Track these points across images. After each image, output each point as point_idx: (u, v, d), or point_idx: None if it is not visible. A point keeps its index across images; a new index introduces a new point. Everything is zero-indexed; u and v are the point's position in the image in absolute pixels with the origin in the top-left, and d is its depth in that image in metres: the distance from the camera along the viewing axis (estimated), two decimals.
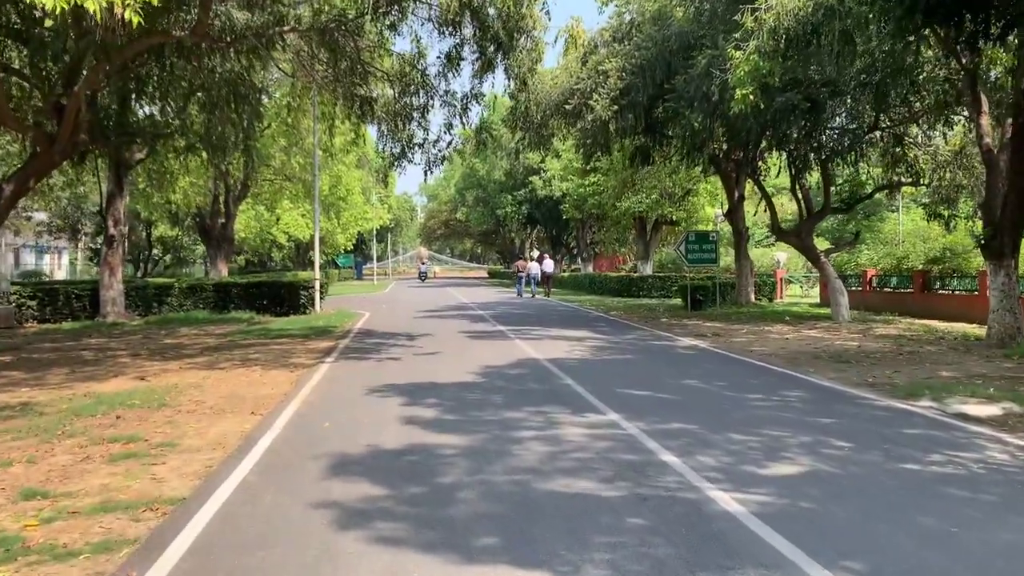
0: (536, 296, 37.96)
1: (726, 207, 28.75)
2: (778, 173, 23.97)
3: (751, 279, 27.94)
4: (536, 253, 52.25)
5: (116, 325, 23.21)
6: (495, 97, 16.61)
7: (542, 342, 16.53)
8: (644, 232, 39.65)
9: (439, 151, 17.48)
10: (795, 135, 20.48)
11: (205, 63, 15.13)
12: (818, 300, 31.46)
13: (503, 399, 9.78)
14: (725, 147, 20.55)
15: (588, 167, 37.95)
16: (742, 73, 15.23)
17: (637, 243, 41.21)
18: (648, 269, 39.20)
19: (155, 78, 17.39)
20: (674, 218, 38.04)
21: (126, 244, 55.52)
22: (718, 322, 22.05)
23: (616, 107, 18.23)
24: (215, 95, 15.81)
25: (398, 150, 17.41)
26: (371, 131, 27.83)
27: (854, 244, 23.06)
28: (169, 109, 18.18)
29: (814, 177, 23.83)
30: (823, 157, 21.37)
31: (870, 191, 22.36)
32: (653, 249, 40.47)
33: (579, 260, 61.18)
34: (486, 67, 14.96)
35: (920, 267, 25.25)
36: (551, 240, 61.52)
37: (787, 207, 40.88)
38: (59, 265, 61.21)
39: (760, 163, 23.18)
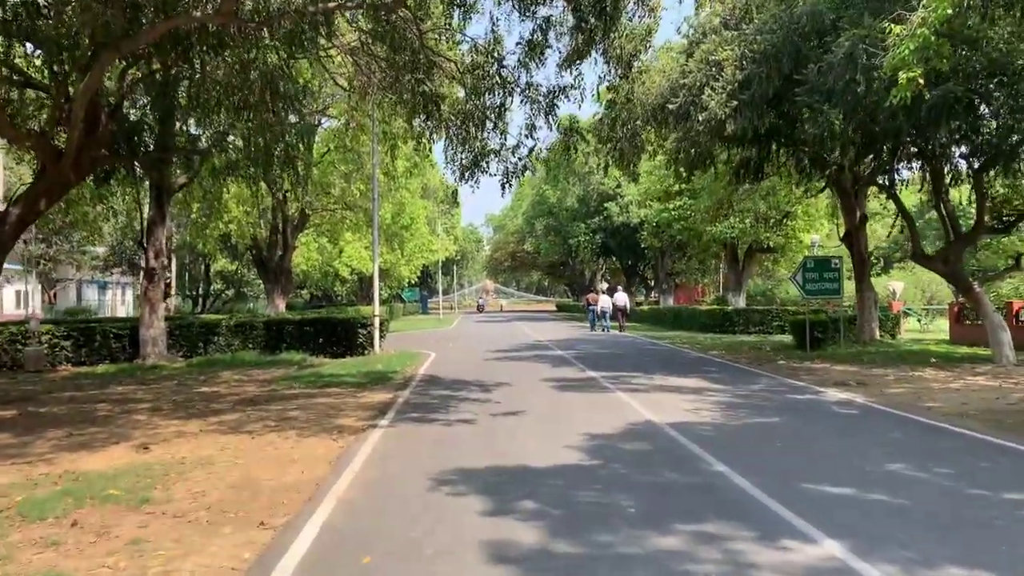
0: (610, 331, 35.26)
1: (841, 228, 24.95)
2: (906, 185, 20.18)
3: (875, 313, 23.99)
4: (604, 285, 48.79)
5: (155, 368, 20.68)
6: (600, 83, 12.93)
7: (651, 395, 13.13)
8: (736, 261, 35.88)
9: (519, 159, 14.31)
10: (945, 138, 16.80)
11: (238, 55, 12.37)
12: (947, 336, 27.26)
13: (636, 504, 6.44)
14: (853, 155, 16.95)
15: (676, 188, 34.53)
16: (906, 52, 11.74)
17: (728, 273, 37.42)
18: (740, 302, 35.37)
19: (185, 81, 14.82)
20: (771, 244, 34.22)
21: (176, 278, 54.11)
22: (849, 364, 18.33)
23: (735, 102, 14.85)
24: (248, 96, 13.04)
25: (469, 159, 14.33)
26: (437, 150, 24.89)
27: (1016, 269, 19.11)
28: (203, 120, 15.57)
29: (961, 193, 19.97)
30: (979, 164, 17.60)
31: None
32: (746, 279, 36.64)
33: (654, 292, 57.44)
34: (586, 45, 11.74)
35: None
36: (625, 271, 57.94)
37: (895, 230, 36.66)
38: (122, 300, 60.23)
39: (894, 174, 19.43)
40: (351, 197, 34.07)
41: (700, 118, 15.37)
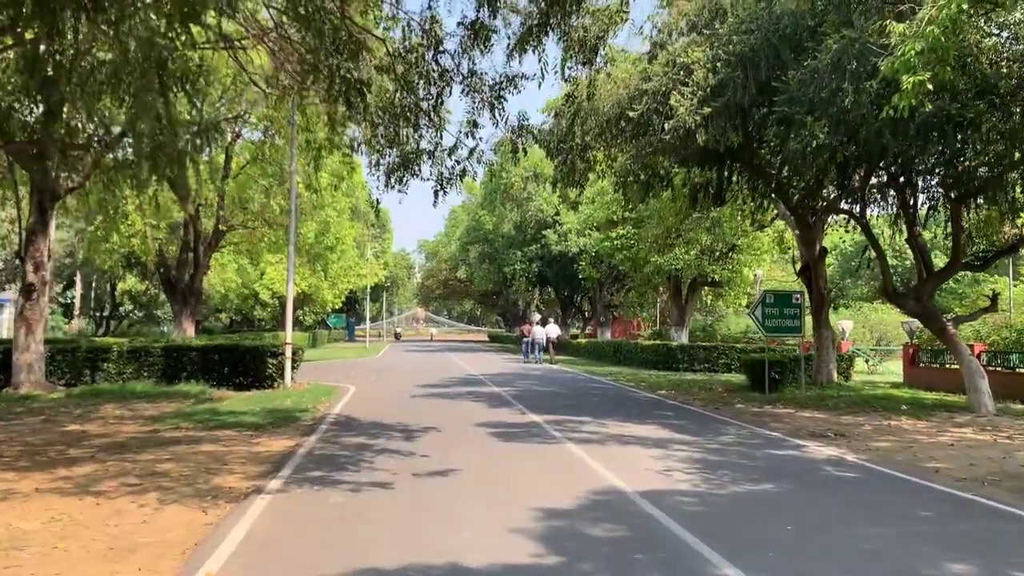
0: (541, 363, 34.45)
1: (797, 263, 23.47)
2: (877, 215, 18.70)
3: (833, 353, 22.47)
4: (537, 316, 47.36)
5: (25, 399, 17.66)
6: (559, 68, 10.69)
7: (608, 448, 10.95)
8: (679, 294, 34.28)
9: (457, 161, 12.07)
10: (929, 162, 15.32)
11: (111, 19, 9.88)
12: (899, 378, 25.99)
13: None
14: (833, 175, 15.27)
15: (620, 216, 32.84)
16: (912, 53, 10.07)
17: (671, 307, 35.82)
18: (684, 337, 33.71)
19: (57, 57, 12.20)
20: (715, 278, 32.73)
21: (80, 298, 50.10)
22: (815, 410, 16.59)
23: (707, 109, 12.95)
24: (131, 74, 10.55)
25: (397, 160, 12.04)
26: (365, 165, 22.44)
27: (991, 310, 17.74)
28: (80, 105, 12.94)
29: (936, 226, 18.57)
30: (958, 194, 16.19)
31: (1014, 243, 17.09)
32: (689, 314, 35.07)
33: (590, 325, 55.74)
34: (543, 22, 9.62)
35: None
36: (562, 302, 56.13)
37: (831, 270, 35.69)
38: None
39: (859, 204, 17.88)
40: (271, 213, 31.30)
41: (665, 127, 13.44)
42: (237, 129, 29.76)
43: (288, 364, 20.07)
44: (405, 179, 12.28)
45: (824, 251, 22.20)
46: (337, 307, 53.96)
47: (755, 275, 37.38)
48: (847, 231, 22.67)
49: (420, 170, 12.22)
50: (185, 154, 14.17)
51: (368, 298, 61.95)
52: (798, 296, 19.90)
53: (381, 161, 12.32)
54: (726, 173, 17.65)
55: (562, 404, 17.06)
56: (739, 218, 29.96)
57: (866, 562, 5.78)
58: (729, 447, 11.37)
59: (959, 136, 13.89)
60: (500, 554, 5.84)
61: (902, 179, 16.52)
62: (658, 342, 32.67)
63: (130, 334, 43.42)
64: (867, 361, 30.44)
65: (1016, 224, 17.45)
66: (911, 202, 17.13)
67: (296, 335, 50.94)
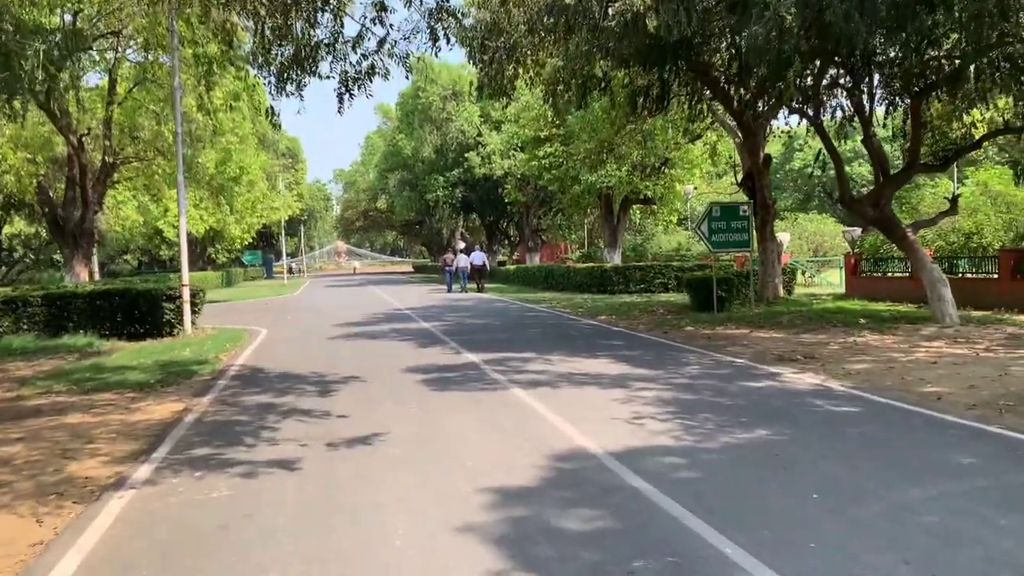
0: (467, 291, 33.24)
1: (739, 173, 22.11)
2: (833, 115, 17.25)
3: (779, 267, 21.36)
4: (462, 244, 45.77)
5: None
6: None
7: (561, 392, 9.32)
8: (611, 214, 32.77)
9: (364, 55, 9.87)
10: (896, 50, 13.86)
11: None
12: (841, 290, 25.27)
13: None
14: (798, 68, 13.60)
15: (547, 134, 30.89)
16: None
17: (603, 227, 34.36)
18: (616, 258, 32.37)
19: None
20: (648, 195, 31.28)
21: None
22: (772, 330, 15.42)
23: None
24: None
25: (289, 55, 9.81)
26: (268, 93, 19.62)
27: (951, 213, 16.66)
28: None
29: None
30: (920, 88, 14.84)
31: (978, 139, 15.91)
32: (621, 234, 33.68)
33: (518, 250, 54.18)
34: None
35: (1007, 245, 19.09)
36: (487, 228, 54.21)
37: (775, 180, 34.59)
38: None
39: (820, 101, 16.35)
40: (164, 142, 28.19)
41: (609, 11, 11.50)
42: (120, 48, 26.50)
43: (187, 308, 17.78)
44: (302, 81, 10.09)
45: (768, 159, 20.84)
46: (248, 243, 50.82)
47: (686, 191, 36.16)
48: (790, 136, 21.29)
49: (317, 67, 10.05)
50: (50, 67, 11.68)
51: (283, 233, 58.73)
52: (745, 208, 18.52)
53: (271, 59, 10.05)
54: (667, 75, 15.83)
55: (499, 339, 15.39)
56: (671, 131, 28.51)
57: (945, 549, 4.28)
58: (697, 380, 9.89)
59: (931, 19, 12.38)
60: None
61: (861, 73, 15.03)
62: (592, 265, 31.28)
63: (20, 282, 39.78)
64: (803, 273, 29.69)
65: (976, 118, 16.29)
66: (867, 100, 15.72)
67: (207, 275, 48.04)
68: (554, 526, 4.77)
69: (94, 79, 34.35)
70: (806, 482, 5.53)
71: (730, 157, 26.87)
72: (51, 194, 29.99)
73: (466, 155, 44.39)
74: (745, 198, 20.27)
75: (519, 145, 38.99)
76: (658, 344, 14.01)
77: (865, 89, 15.53)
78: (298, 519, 5.11)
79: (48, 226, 31.50)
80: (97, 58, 27.13)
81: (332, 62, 9.95)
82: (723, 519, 4.77)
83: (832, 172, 17.80)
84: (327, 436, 7.36)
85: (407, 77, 10.81)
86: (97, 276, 50.98)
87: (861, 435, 6.94)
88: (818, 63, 14.71)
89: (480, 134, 44.67)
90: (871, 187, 18.04)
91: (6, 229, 43.36)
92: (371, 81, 10.23)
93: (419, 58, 11.65)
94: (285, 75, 10.02)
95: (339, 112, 10.18)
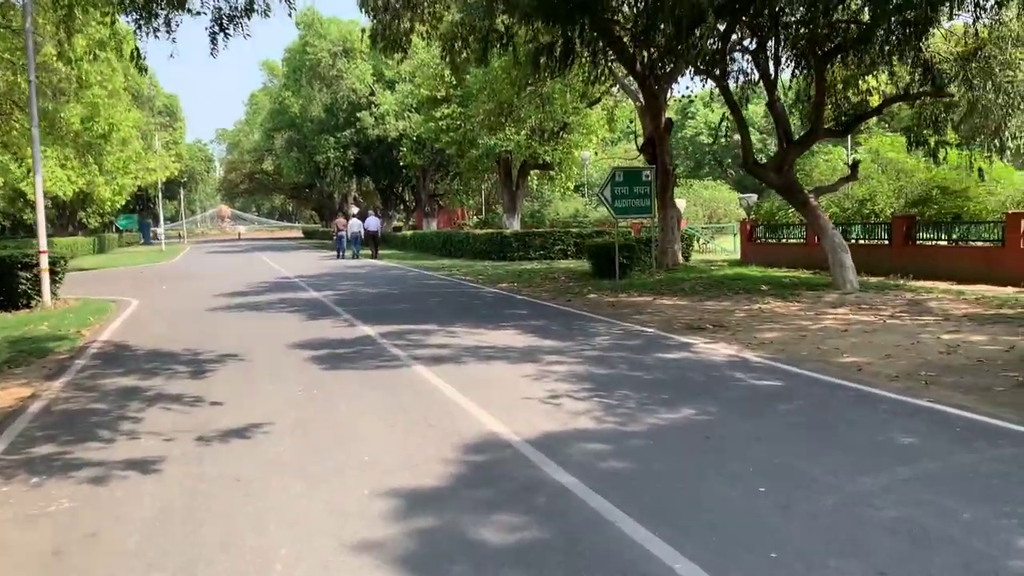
0: (360, 258, 32.29)
1: (639, 137, 21.74)
2: (738, 81, 16.99)
3: (678, 233, 21.21)
4: (355, 209, 44.35)
5: None
6: None
7: (467, 369, 8.54)
8: (510, 179, 32.05)
9: None
10: (798, 12, 13.57)
11: None
12: (736, 256, 25.49)
13: None
14: (711, 23, 13.03)
15: (443, 94, 29.78)
16: None
17: (501, 192, 33.62)
18: (516, 224, 31.75)
19: None
20: (547, 160, 30.69)
21: None
22: (674, 297, 15.17)
23: None
24: None
25: None
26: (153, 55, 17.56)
27: (852, 179, 16.72)
28: None
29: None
30: (825, 51, 14.67)
31: (879, 104, 15.95)
32: (520, 200, 33.04)
33: (413, 216, 52.89)
34: None
35: (898, 212, 19.48)
36: (381, 192, 52.56)
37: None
38: None
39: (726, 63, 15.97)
40: (21, 95, 25.49)
41: None
42: None
43: (46, 278, 15.99)
44: (171, 18, 8.77)
45: (670, 123, 20.53)
46: (123, 207, 47.45)
47: (583, 157, 35.85)
48: (690, 100, 20.99)
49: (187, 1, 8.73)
50: None
51: (161, 196, 55.28)
52: (647, 173, 18.12)
53: None
54: (571, 32, 15.11)
55: (397, 309, 14.46)
56: (569, 96, 27.96)
57: (917, 553, 3.76)
58: (609, 353, 9.31)
59: None
60: None
61: (768, 34, 14.73)
62: (490, 231, 30.54)
63: None
64: (698, 240, 29.88)
65: (872, 84, 16.34)
66: (773, 64, 15.46)
67: (77, 240, 44.66)
68: (472, 538, 4.01)
69: None
70: (747, 470, 4.97)
71: (630, 123, 26.55)
72: None
73: (358, 115, 42.62)
74: (644, 164, 19.92)
75: (414, 106, 37.65)
76: (564, 313, 13.42)
77: (771, 51, 15.25)
78: (154, 538, 4.15)
79: None
80: None
81: None
82: (666, 522, 4.12)
83: (725, 140, 17.63)
84: (197, 428, 6.34)
85: (290, 14, 9.68)
86: None
87: (788, 412, 6.48)
88: (725, 23, 14.26)
89: (373, 93, 42.93)
90: (764, 155, 17.94)
91: None
92: (248, 18, 9.02)
93: (307, 8, 10.42)
94: (151, 8, 8.66)
95: (212, 55, 9.00)
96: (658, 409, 6.55)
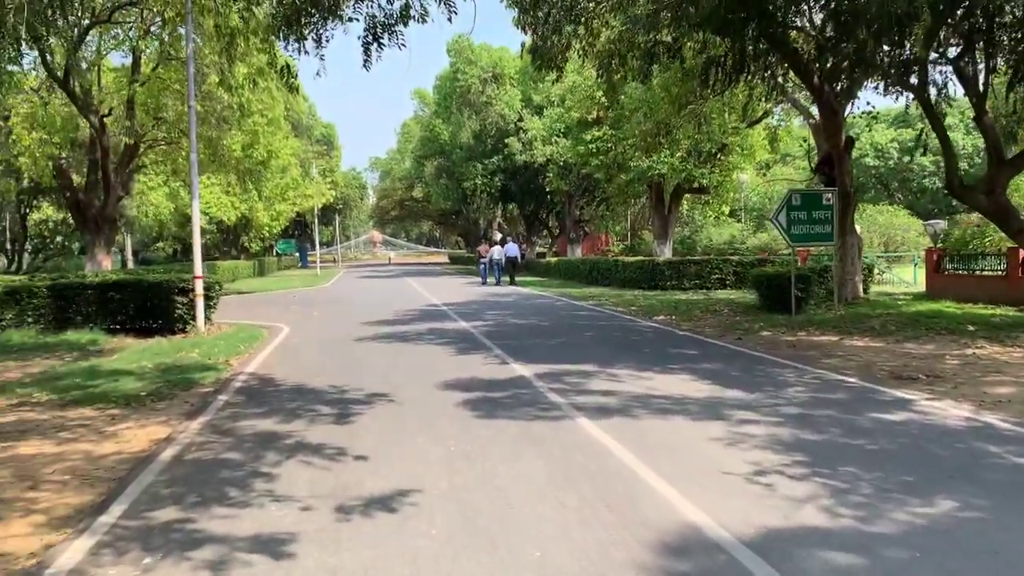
0: (502, 284, 32.26)
1: (814, 156, 19.82)
2: (942, 94, 14.93)
3: (859, 263, 19.09)
4: (499, 235, 44.08)
5: None
6: None
7: (643, 427, 7.27)
8: (661, 204, 30.54)
9: None
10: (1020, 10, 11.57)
11: None
12: (920, 287, 22.86)
13: None
14: (870, 40, 11.28)
15: (595, 116, 28.78)
16: None
17: (652, 218, 32.15)
18: (667, 251, 30.15)
19: None
20: (703, 183, 29.00)
21: None
22: (866, 337, 13.27)
23: None
24: None
25: None
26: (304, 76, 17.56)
27: None
28: None
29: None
30: None
31: None
32: (672, 225, 31.44)
33: (557, 242, 52.10)
34: None
35: None
36: (526, 218, 52.13)
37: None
38: None
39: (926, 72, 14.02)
40: (187, 124, 26.59)
41: None
42: (146, 23, 24.97)
43: (200, 303, 16.04)
44: (319, 26, 8.17)
45: (851, 141, 18.53)
46: (277, 231, 49.25)
47: (741, 180, 33.87)
48: (874, 117, 18.95)
49: (338, 6, 8.09)
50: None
51: (317, 221, 57.25)
52: (828, 196, 16.25)
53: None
54: (746, 43, 13.69)
55: (550, 345, 13.38)
56: (728, 116, 26.30)
57: None
58: (811, 410, 7.80)
59: None
60: None
61: (976, 36, 12.73)
62: (641, 258, 29.10)
63: (46, 269, 38.69)
64: (872, 269, 27.22)
65: None
66: (984, 71, 13.40)
67: (238, 264, 46.61)
68: None
69: (117, 59, 32.95)
70: None
71: (805, 140, 24.51)
72: (73, 178, 28.63)
73: (506, 141, 42.33)
74: (813, 187, 18.03)
75: (562, 130, 36.88)
76: (739, 354, 11.89)
77: (981, 57, 13.22)
78: None
79: (71, 212, 30.11)
80: (121, 36, 25.74)
81: (356, 2, 8.00)
82: None
83: (922, 155, 15.51)
84: (337, 492, 5.43)
85: (450, 20, 8.94)
86: (131, 264, 50.04)
87: None
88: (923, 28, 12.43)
89: (521, 119, 42.57)
90: (930, 180, 15.63)
91: (35, 215, 42.36)
92: (405, 25, 8.28)
93: (458, 36, 9.64)
94: (299, 16, 8.07)
95: (365, 67, 8.38)
96: (905, 499, 5.06)
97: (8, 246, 42.24)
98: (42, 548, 4.69)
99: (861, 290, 18.99)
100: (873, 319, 15.30)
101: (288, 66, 9.37)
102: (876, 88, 19.16)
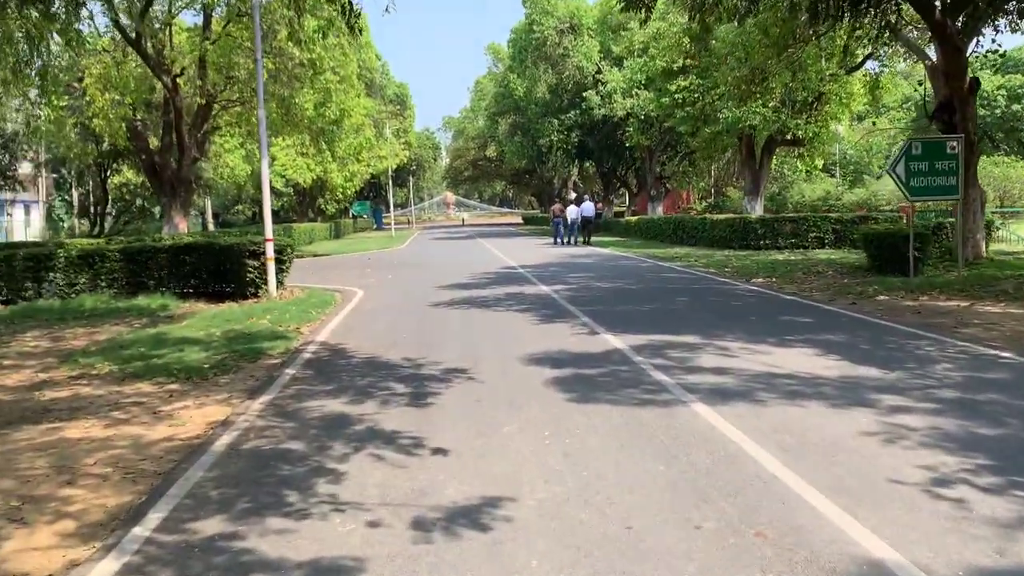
0: (577, 244, 31.61)
1: (930, 103, 17.86)
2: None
3: (982, 219, 17.24)
4: (573, 195, 42.73)
5: None
6: None
7: (773, 413, 6.07)
8: (752, 158, 28.68)
9: None
10: None
11: None
12: None
13: None
14: None
15: (680, 64, 27.09)
16: None
17: (743, 173, 30.35)
18: (759, 208, 28.36)
19: None
20: (798, 135, 27.03)
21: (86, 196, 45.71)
22: (999, 303, 11.76)
23: None
24: None
25: None
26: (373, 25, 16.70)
27: None
28: None
29: None
30: None
31: None
32: (764, 181, 29.56)
33: (636, 200, 50.34)
34: None
35: None
36: (604, 177, 50.46)
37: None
38: (27, 223, 51.19)
39: None
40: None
41: None
42: None
43: (271, 267, 15.39)
44: None
45: (976, 83, 16.55)
46: (352, 193, 48.84)
47: (837, 131, 31.67)
48: (1002, 56, 16.92)
49: None
50: None
51: (391, 182, 56.77)
52: (954, 145, 14.46)
53: None
54: None
55: (642, 312, 12.18)
56: (824, 63, 24.34)
57: None
58: (971, 393, 6.48)
59: None
60: None
61: None
62: (731, 216, 27.45)
63: (127, 232, 39.16)
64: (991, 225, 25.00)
65: None
66: None
67: (314, 226, 46.48)
68: None
69: (190, 18, 32.56)
70: None
71: (919, 86, 22.43)
72: (149, 141, 28.50)
73: (583, 95, 40.66)
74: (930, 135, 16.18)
75: (644, 82, 35.08)
76: (859, 322, 10.52)
77: None
78: None
79: (146, 175, 30.06)
80: None
81: None
82: None
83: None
84: (413, 499, 4.47)
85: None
86: (211, 226, 50.49)
87: None
88: None
89: (600, 71, 40.77)
90: None
91: (115, 179, 42.89)
92: None
93: None
94: None
95: None
96: None
97: (91, 209, 42.92)
98: (62, 568, 3.87)
99: (984, 249, 17.14)
100: (1004, 282, 13.63)
101: (351, 3, 8.42)
102: (999, 26, 17.01)
